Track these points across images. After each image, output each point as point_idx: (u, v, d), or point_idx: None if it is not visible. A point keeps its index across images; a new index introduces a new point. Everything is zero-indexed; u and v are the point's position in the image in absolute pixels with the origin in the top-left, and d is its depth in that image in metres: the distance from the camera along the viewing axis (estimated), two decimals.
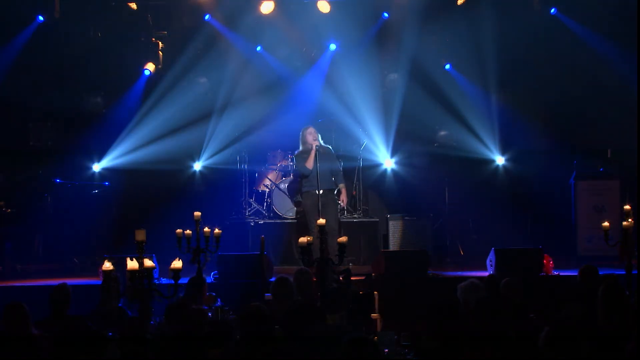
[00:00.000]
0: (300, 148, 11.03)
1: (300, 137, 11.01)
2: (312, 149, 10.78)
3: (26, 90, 13.01)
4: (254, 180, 13.07)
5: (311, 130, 10.96)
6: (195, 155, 13.55)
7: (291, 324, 5.70)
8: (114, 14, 13.09)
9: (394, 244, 11.86)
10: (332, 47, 13.51)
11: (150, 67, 13.54)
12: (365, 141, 13.06)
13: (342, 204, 11.63)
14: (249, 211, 12.83)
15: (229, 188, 13.18)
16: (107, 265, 5.85)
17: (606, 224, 8.22)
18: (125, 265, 5.61)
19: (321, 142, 10.98)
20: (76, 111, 13.45)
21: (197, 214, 8.35)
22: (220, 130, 13.35)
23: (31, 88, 13.00)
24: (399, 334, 6.14)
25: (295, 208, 12.36)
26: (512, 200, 13.27)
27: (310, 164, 10.76)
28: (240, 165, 13.00)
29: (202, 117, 13.36)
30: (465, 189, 13.16)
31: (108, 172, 13.30)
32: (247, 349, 5.20)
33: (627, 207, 8.30)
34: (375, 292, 9.18)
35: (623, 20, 12.37)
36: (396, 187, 13.49)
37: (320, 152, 10.79)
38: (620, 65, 12.58)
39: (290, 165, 12.60)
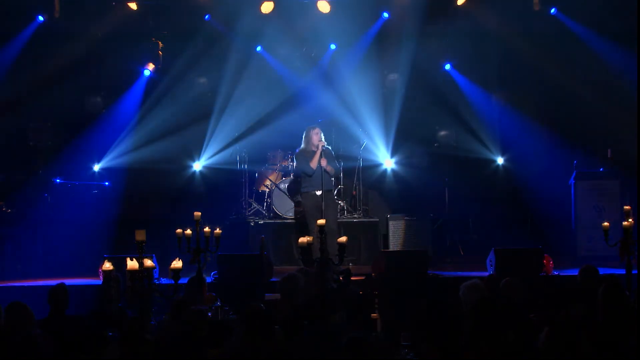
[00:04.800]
0: (302, 147, 10.99)
1: (305, 136, 10.95)
2: (316, 149, 10.75)
3: (26, 90, 13.01)
4: (254, 180, 13.07)
5: (317, 130, 10.91)
6: (195, 155, 13.56)
7: (294, 323, 5.70)
8: (114, 14, 13.08)
9: (394, 244, 11.86)
10: (332, 47, 13.53)
11: (150, 67, 13.54)
12: (365, 141, 13.06)
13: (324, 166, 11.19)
14: (249, 211, 12.83)
15: (229, 188, 13.19)
16: (107, 265, 5.86)
17: (606, 224, 8.21)
18: (126, 265, 5.61)
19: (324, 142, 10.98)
20: (76, 111, 13.46)
21: (197, 214, 8.35)
22: (220, 130, 13.36)
23: (31, 88, 13.00)
24: (399, 334, 6.14)
25: (295, 208, 12.36)
26: (512, 200, 13.27)
27: (314, 163, 10.75)
28: (240, 165, 13.01)
29: (202, 117, 13.38)
30: (465, 189, 13.17)
31: (108, 172, 13.31)
32: (247, 349, 5.20)
33: (627, 207, 8.29)
34: (375, 292, 9.18)
35: (623, 20, 12.36)
36: (396, 187, 13.50)
37: (324, 153, 10.80)
38: (620, 65, 12.58)
39: (291, 165, 12.60)
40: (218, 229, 8.52)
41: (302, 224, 11.41)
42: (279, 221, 12.40)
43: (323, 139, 10.89)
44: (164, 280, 7.84)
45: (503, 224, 12.63)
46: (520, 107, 13.31)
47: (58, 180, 12.52)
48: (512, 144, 13.56)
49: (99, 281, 9.68)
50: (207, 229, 8.35)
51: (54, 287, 6.98)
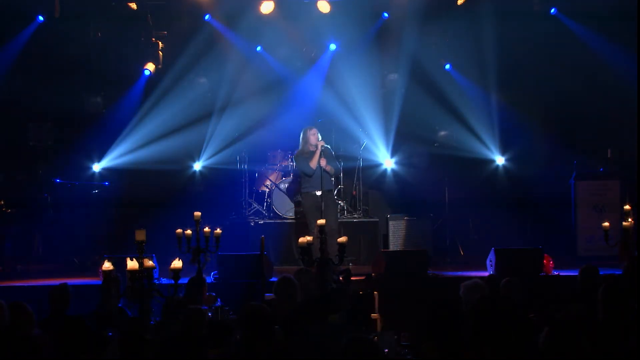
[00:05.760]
0: (300, 147, 11.00)
1: (302, 136, 10.96)
2: (315, 149, 10.75)
3: (26, 90, 13.02)
4: (254, 180, 13.08)
5: (315, 130, 10.93)
6: (195, 155, 13.56)
7: (294, 323, 5.70)
8: (114, 14, 13.09)
9: (394, 244, 11.87)
10: (332, 47, 13.53)
11: (150, 67, 13.54)
12: (365, 141, 13.06)
13: (324, 165, 11.03)
14: (249, 211, 12.84)
15: (229, 188, 13.19)
16: (107, 265, 5.85)
17: (606, 224, 8.21)
18: (125, 265, 5.60)
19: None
20: (76, 111, 13.47)
21: (197, 214, 8.35)
22: (220, 130, 13.36)
23: (31, 88, 13.01)
24: (399, 334, 6.14)
25: (295, 208, 12.36)
26: (512, 200, 13.26)
27: (314, 163, 10.75)
28: (240, 165, 13.01)
29: (202, 117, 13.37)
30: (465, 189, 13.16)
31: (108, 172, 13.31)
32: (247, 349, 5.20)
33: (627, 207, 8.29)
34: (375, 292, 9.18)
35: (623, 20, 12.36)
36: (396, 187, 13.50)
37: (324, 152, 10.80)
38: (620, 65, 12.58)
39: (291, 165, 12.60)
40: (218, 229, 8.52)
41: (302, 224, 11.41)
42: (279, 221, 12.40)
43: (320, 139, 10.90)
44: (164, 280, 7.85)
45: (503, 224, 12.62)
46: (520, 107, 13.30)
47: (58, 180, 12.51)
48: (512, 144, 13.55)
49: (99, 281, 9.67)
50: (207, 229, 8.36)
51: (56, 287, 6.97)
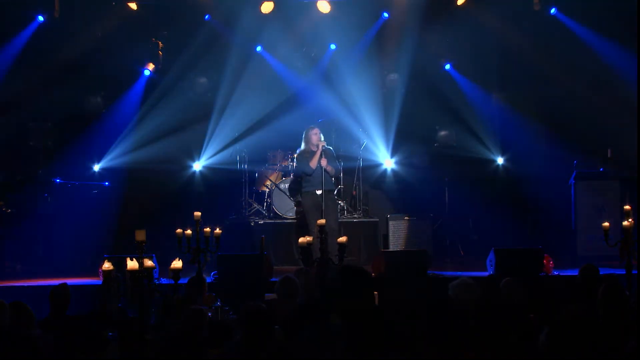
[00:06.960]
0: (302, 147, 11.00)
1: (304, 136, 10.96)
2: (316, 149, 10.76)
3: (26, 90, 13.01)
4: (254, 180, 13.08)
5: (316, 130, 10.93)
6: (195, 155, 13.56)
7: (294, 323, 5.70)
8: (114, 14, 13.09)
9: (394, 244, 11.86)
10: (332, 47, 13.53)
11: (150, 67, 13.54)
12: (365, 141, 13.07)
13: (325, 165, 11.01)
14: (249, 211, 12.84)
15: (229, 188, 13.20)
16: (107, 265, 5.86)
17: (606, 224, 8.20)
18: (125, 265, 5.61)
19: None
20: (76, 111, 13.47)
21: (197, 214, 8.35)
22: (220, 130, 13.36)
23: (31, 88, 13.00)
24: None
25: (295, 208, 12.36)
26: (512, 200, 13.26)
27: (314, 163, 10.75)
28: (240, 165, 13.02)
29: (202, 117, 13.38)
30: (465, 189, 13.16)
31: (108, 172, 13.31)
32: (247, 349, 5.20)
33: (627, 207, 8.28)
34: (375, 292, 9.17)
35: (623, 20, 12.36)
36: (396, 187, 13.51)
37: (325, 153, 10.80)
38: (620, 65, 12.58)
39: (291, 165, 12.60)
40: (218, 229, 8.52)
41: (302, 224, 11.41)
42: (279, 221, 12.40)
43: (322, 139, 10.90)
44: (164, 280, 7.85)
45: (503, 224, 12.61)
46: (520, 107, 13.30)
47: (58, 180, 12.51)
48: (512, 144, 13.55)
49: (99, 281, 9.67)
50: (207, 229, 8.35)
51: (56, 287, 6.98)
